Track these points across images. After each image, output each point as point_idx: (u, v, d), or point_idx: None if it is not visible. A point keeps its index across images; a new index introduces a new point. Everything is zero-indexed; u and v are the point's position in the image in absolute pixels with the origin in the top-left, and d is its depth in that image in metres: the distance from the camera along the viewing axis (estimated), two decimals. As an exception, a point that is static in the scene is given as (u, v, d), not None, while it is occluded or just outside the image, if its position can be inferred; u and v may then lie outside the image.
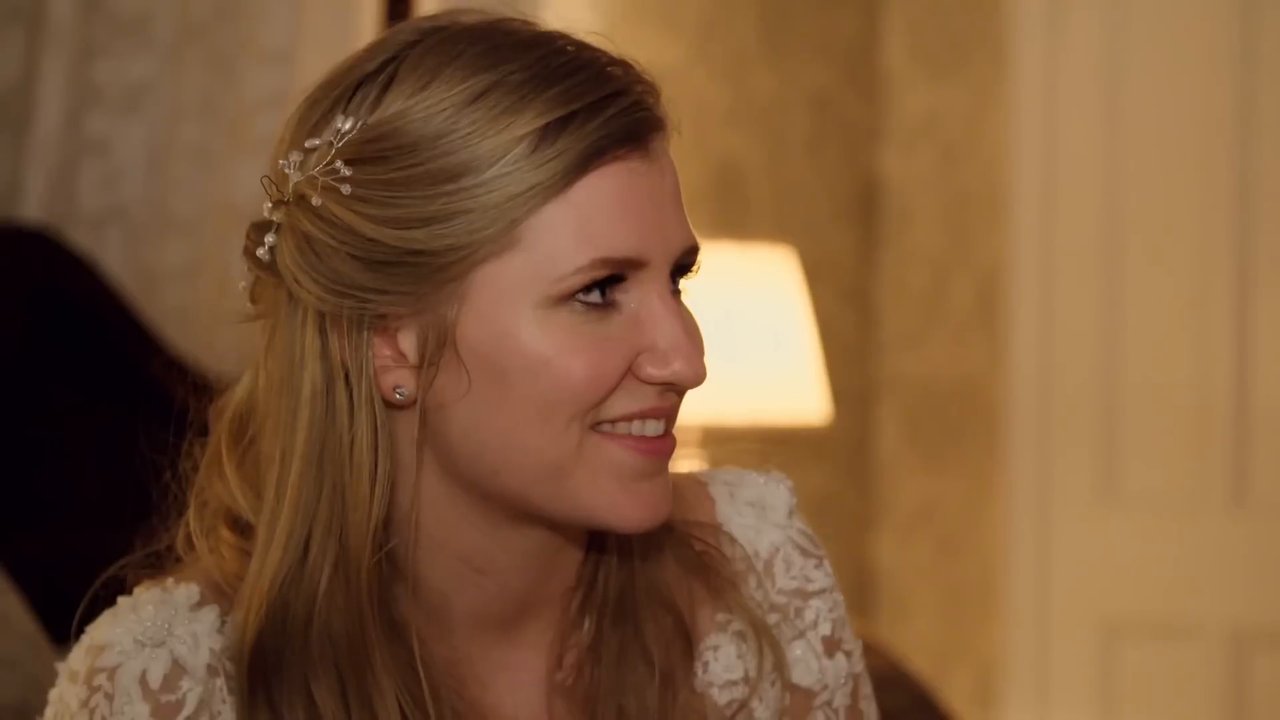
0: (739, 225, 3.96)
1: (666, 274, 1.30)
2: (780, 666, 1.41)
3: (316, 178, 1.26)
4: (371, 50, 1.30)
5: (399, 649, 1.31)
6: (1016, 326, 4.21)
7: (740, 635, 1.41)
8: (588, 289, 1.26)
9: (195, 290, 2.86)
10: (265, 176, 1.31)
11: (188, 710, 1.32)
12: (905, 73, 4.33)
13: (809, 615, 1.44)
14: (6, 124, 2.75)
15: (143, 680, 1.32)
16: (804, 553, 1.45)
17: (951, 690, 4.05)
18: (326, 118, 1.28)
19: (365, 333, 1.27)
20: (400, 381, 1.28)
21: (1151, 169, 4.11)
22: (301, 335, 1.28)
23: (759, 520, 1.44)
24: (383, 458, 1.28)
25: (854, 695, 1.45)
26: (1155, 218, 4.11)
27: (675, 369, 1.28)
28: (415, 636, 1.32)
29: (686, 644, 1.39)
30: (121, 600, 1.35)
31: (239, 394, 1.34)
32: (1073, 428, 4.16)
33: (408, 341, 1.27)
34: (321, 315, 1.27)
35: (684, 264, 1.32)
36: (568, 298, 1.26)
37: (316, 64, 2.93)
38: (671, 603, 1.38)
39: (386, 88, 1.27)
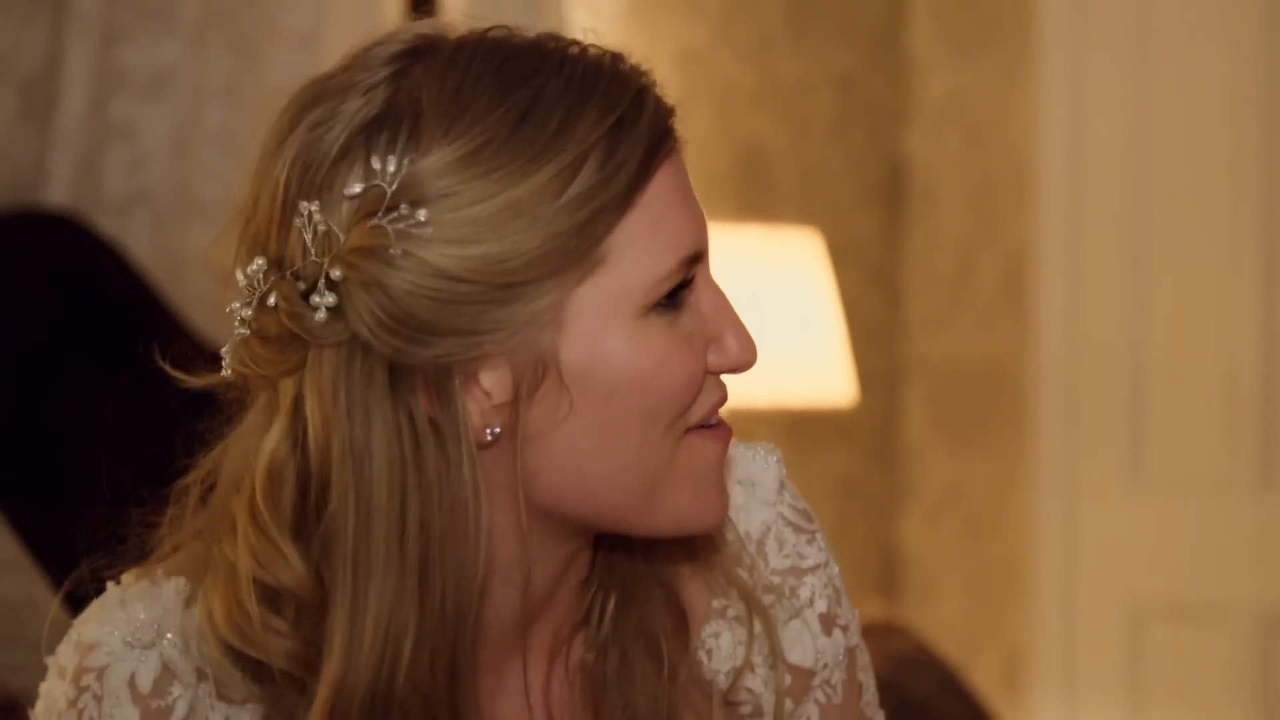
0: (764, 208, 3.96)
1: (709, 260, 1.31)
2: (774, 647, 1.39)
3: (384, 226, 1.21)
4: (355, 85, 1.25)
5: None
6: (1043, 308, 4.20)
7: (738, 620, 1.39)
8: (670, 293, 1.26)
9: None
10: (248, 240, 1.25)
11: (177, 716, 1.30)
12: (931, 54, 4.32)
13: (804, 593, 1.42)
14: (32, 109, 2.75)
15: (132, 683, 1.30)
16: (796, 529, 1.43)
17: (979, 672, 4.04)
18: (345, 164, 1.22)
19: (455, 380, 1.23)
20: (490, 421, 1.24)
21: (1179, 150, 4.10)
22: (366, 395, 1.22)
23: (748, 499, 1.42)
24: (484, 505, 1.24)
25: (850, 668, 1.43)
26: (1183, 199, 4.09)
27: (737, 355, 1.30)
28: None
29: (682, 623, 1.37)
30: (110, 590, 1.33)
31: (264, 457, 1.26)
32: (1100, 409, 4.15)
33: (493, 379, 1.23)
34: (393, 371, 1.22)
35: None
36: (655, 305, 1.26)
37: (341, 47, 2.92)
38: (669, 585, 1.38)
39: (417, 123, 1.22)
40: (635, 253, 1.24)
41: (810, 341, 3.37)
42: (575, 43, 1.28)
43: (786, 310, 3.34)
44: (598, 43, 1.29)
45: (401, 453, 1.23)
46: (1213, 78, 4.07)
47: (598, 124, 1.23)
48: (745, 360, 1.30)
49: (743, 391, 3.36)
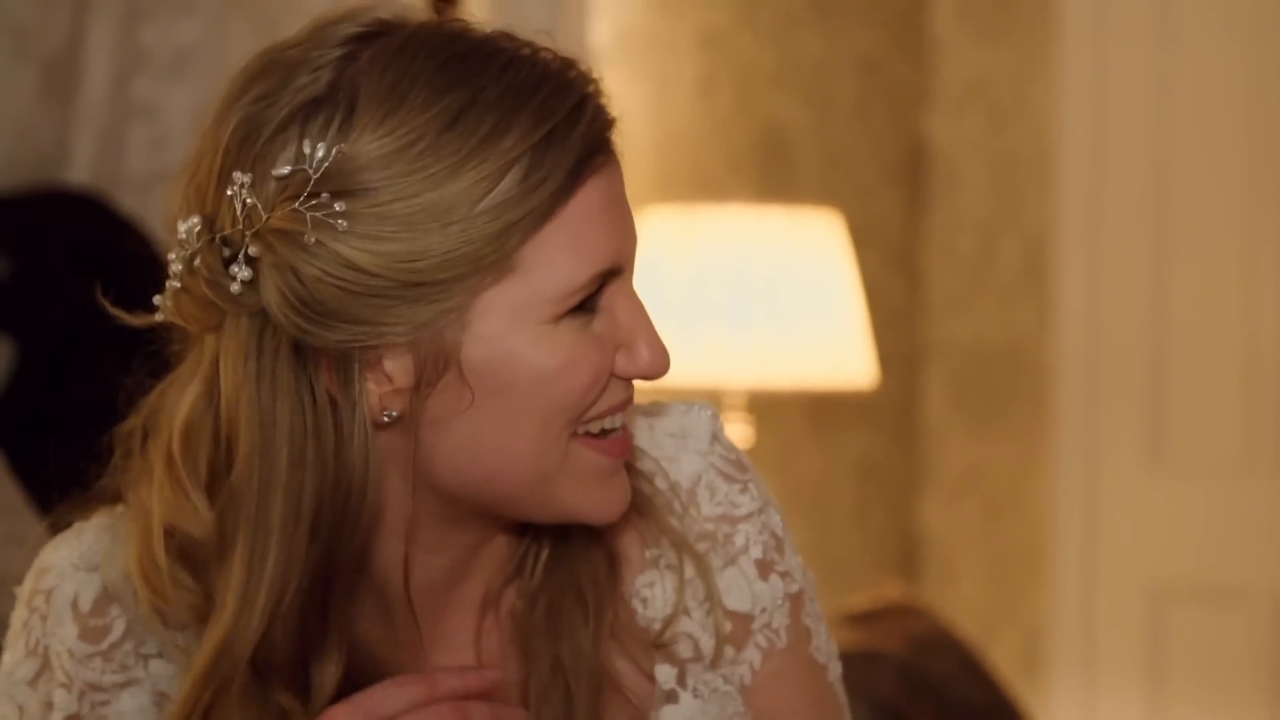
0: (786, 189, 3.95)
1: (632, 269, 1.33)
2: (710, 589, 1.42)
3: (302, 212, 1.24)
4: (306, 62, 1.27)
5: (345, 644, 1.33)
6: (1064, 290, 4.19)
7: (671, 569, 1.42)
8: (581, 301, 1.29)
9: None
10: (190, 196, 1.29)
11: (113, 636, 1.36)
12: (953, 35, 4.31)
13: (739, 540, 1.44)
14: (55, 88, 2.76)
15: (75, 603, 1.36)
16: (727, 478, 1.45)
17: (998, 654, 4.04)
18: (279, 140, 1.26)
19: (356, 364, 1.26)
20: (388, 404, 1.28)
21: (1201, 131, 4.09)
22: (274, 366, 1.27)
23: (678, 450, 1.45)
24: (372, 481, 1.28)
25: (794, 614, 1.45)
26: (1204, 180, 4.08)
27: (648, 363, 1.32)
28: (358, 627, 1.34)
29: (613, 571, 1.41)
30: (76, 524, 1.39)
31: (183, 410, 1.32)
32: (1121, 391, 4.14)
33: (396, 365, 1.27)
34: (299, 347, 1.26)
35: None
36: (565, 314, 1.28)
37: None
38: (601, 534, 1.41)
39: (351, 112, 1.25)
40: (547, 264, 1.27)
41: (831, 323, 3.36)
42: (528, 44, 1.30)
43: (807, 292, 3.34)
44: (551, 45, 1.30)
45: (304, 424, 1.27)
46: (1235, 59, 4.06)
47: (527, 135, 1.25)
48: (656, 368, 1.32)
49: (764, 373, 3.36)
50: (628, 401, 1.34)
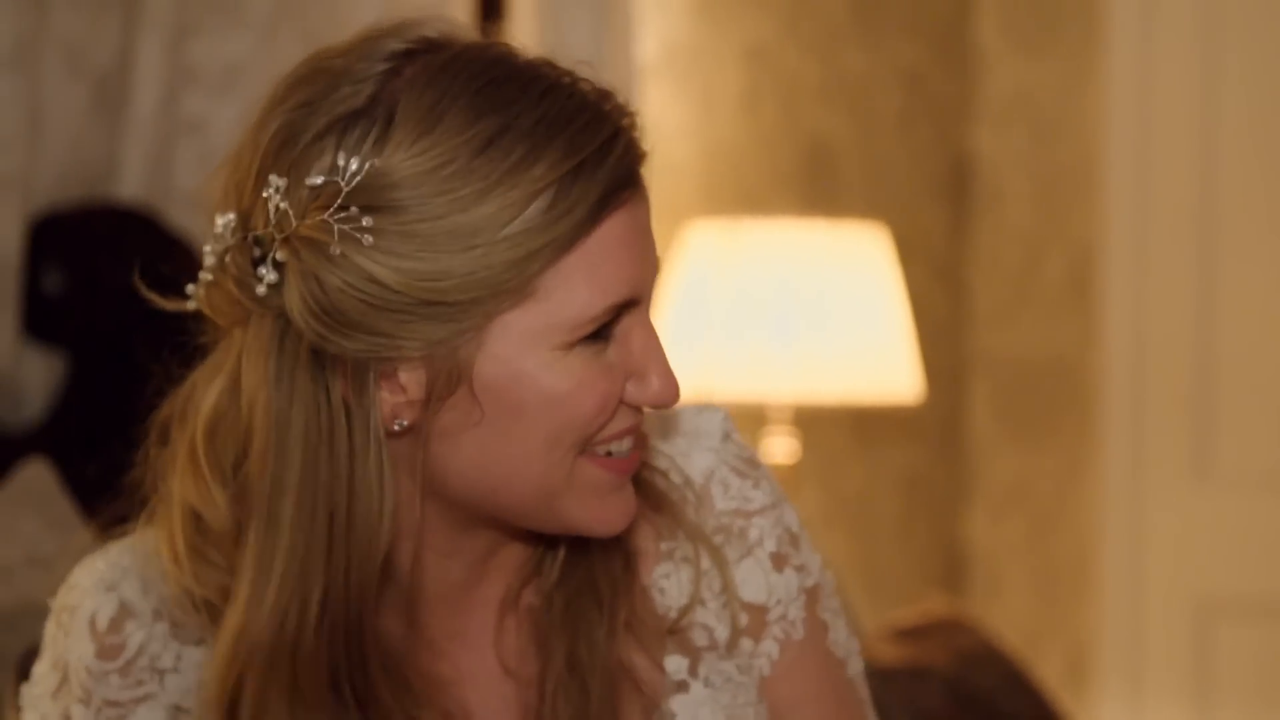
0: (830, 203, 3.95)
1: (650, 300, 1.35)
2: (726, 580, 1.44)
3: (330, 223, 1.26)
4: (350, 73, 1.30)
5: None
6: (1110, 303, 4.18)
7: (687, 560, 1.44)
8: (596, 330, 1.31)
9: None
10: (229, 191, 1.31)
11: (128, 654, 1.39)
12: (997, 49, 4.31)
13: (753, 534, 1.46)
14: (104, 104, 2.78)
15: (92, 621, 1.39)
16: (740, 474, 1.47)
17: (1044, 669, 4.03)
18: (316, 149, 1.28)
19: (371, 373, 1.29)
20: (400, 414, 1.30)
21: (1247, 144, 4.08)
22: (292, 368, 1.29)
23: (691, 446, 1.47)
24: (388, 487, 1.31)
25: (809, 607, 1.47)
26: (1251, 193, 4.07)
27: (657, 392, 1.34)
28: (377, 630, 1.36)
29: (628, 567, 1.43)
30: (111, 543, 1.42)
31: (209, 401, 1.35)
32: (1167, 404, 4.13)
33: (410, 377, 1.30)
34: (317, 353, 1.29)
35: None
36: (578, 341, 1.31)
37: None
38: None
39: (388, 128, 1.27)
40: (565, 293, 1.29)
41: (876, 337, 3.36)
42: (568, 73, 1.32)
43: (853, 305, 3.34)
44: (592, 76, 1.32)
45: (318, 427, 1.29)
46: (1282, 72, 4.05)
47: (556, 166, 1.27)
48: (665, 398, 1.35)
49: (808, 387, 3.36)
50: (636, 427, 1.36)
